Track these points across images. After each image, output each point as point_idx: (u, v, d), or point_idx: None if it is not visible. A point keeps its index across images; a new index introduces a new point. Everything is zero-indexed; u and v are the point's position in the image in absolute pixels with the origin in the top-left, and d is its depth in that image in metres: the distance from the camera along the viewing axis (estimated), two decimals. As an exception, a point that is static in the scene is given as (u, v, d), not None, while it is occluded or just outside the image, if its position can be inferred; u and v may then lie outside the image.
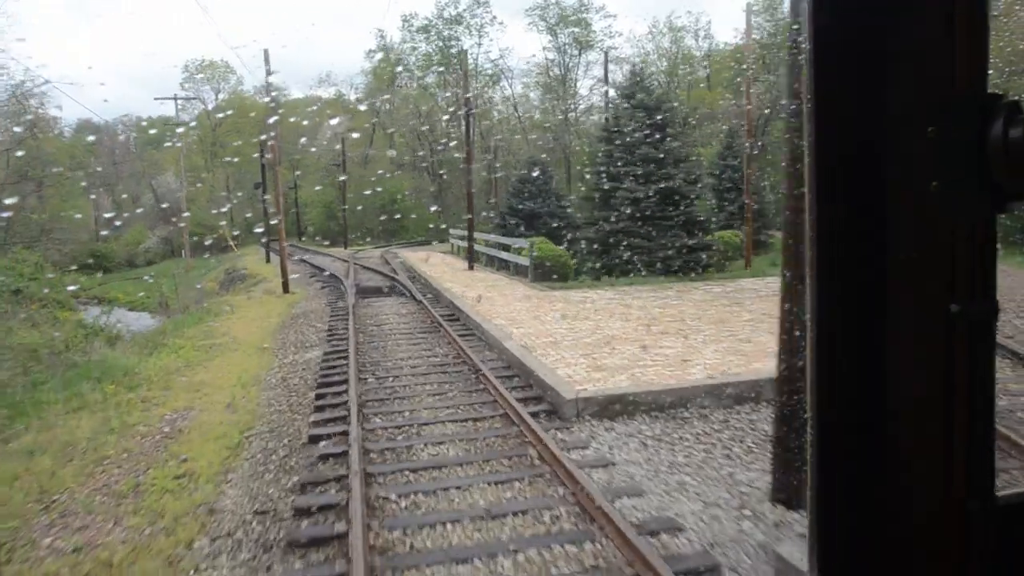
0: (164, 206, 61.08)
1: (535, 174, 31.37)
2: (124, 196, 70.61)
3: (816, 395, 0.68)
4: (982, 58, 0.66)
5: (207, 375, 11.30)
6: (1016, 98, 0.65)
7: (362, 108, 65.35)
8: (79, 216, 50.90)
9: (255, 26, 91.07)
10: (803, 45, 1.06)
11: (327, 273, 25.52)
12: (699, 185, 20.17)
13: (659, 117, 19.18)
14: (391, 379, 9.42)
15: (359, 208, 55.12)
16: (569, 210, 31.90)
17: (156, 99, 49.55)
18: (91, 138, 66.63)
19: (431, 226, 55.46)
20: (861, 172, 0.67)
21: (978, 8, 0.65)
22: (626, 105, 19.92)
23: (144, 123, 72.45)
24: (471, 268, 22.65)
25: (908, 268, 0.66)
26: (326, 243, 53.96)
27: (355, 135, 60.55)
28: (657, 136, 19.25)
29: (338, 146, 54.36)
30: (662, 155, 19.16)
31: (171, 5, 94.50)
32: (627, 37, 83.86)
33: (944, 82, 0.65)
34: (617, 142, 19.42)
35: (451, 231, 33.83)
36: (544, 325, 11.77)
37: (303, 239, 60.76)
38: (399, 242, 49.68)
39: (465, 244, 29.92)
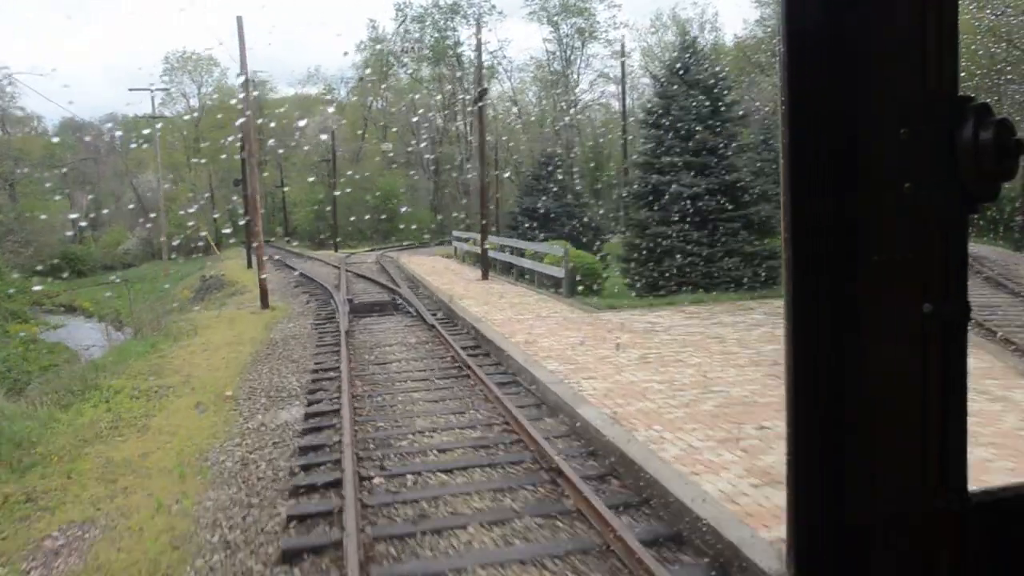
0: (133, 207, 57.47)
1: (531, 171, 27.92)
2: (91, 197, 67.14)
3: (792, 394, 0.69)
4: (953, 60, 0.65)
5: (136, 447, 7.77)
6: (986, 100, 0.65)
7: (331, 110, 61.47)
8: (44, 216, 47.24)
9: (247, 26, 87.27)
10: (777, 47, 0.72)
11: (315, 282, 21.96)
12: (763, 178, 16.66)
13: (728, 97, 15.72)
14: (411, 481, 5.86)
15: (350, 208, 51.34)
16: (586, 211, 28.47)
17: (131, 90, 45.06)
18: (55, 139, 62.98)
19: (417, 226, 51.99)
20: (835, 173, 0.67)
21: (948, 11, 0.65)
22: (678, 84, 16.38)
23: (111, 124, 68.96)
24: (485, 278, 19.13)
25: (881, 269, 0.67)
26: (315, 245, 50.44)
27: (325, 134, 56.87)
28: (716, 120, 15.79)
29: (325, 136, 50.60)
30: (723, 142, 15.69)
31: (168, 7, 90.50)
32: (629, 30, 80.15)
33: (916, 84, 0.65)
34: (677, 124, 15.86)
35: (454, 233, 30.27)
36: (622, 373, 8.27)
37: (290, 241, 57.16)
38: (393, 244, 46.04)
39: (471, 248, 26.44)
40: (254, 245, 20.34)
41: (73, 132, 66.50)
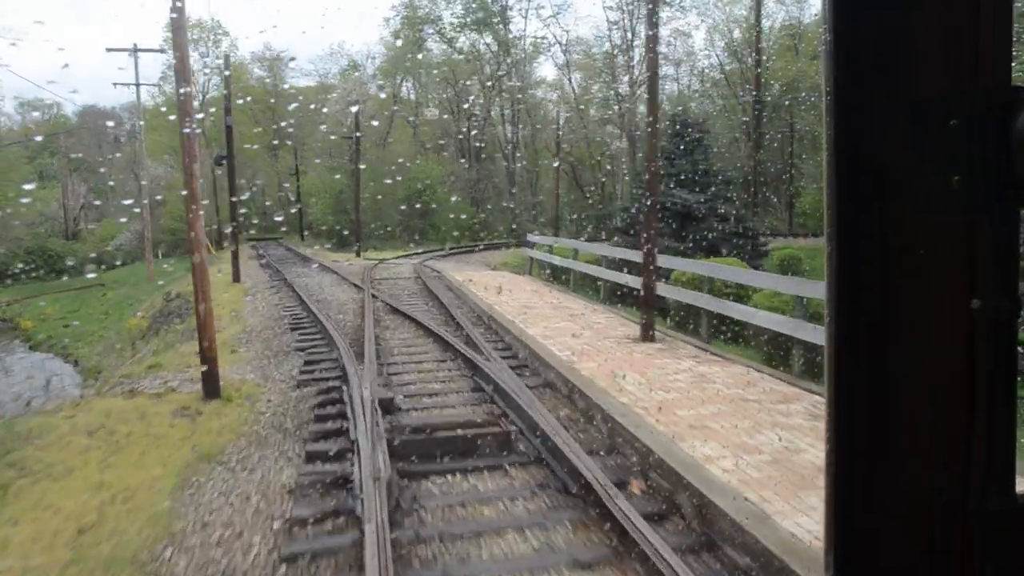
0: (130, 203, 49.24)
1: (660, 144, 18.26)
2: (87, 186, 59.53)
3: (834, 393, 0.67)
4: (1007, 51, 0.63)
5: None
6: None
7: (384, 96, 52.30)
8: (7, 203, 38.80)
9: (261, 22, 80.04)
10: (823, 38, 0.67)
11: (321, 324, 12.59)
12: None
13: None
14: None
15: (375, 201, 42.00)
16: (735, 209, 18.77)
17: (108, 50, 36.32)
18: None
19: (458, 220, 42.90)
20: (881, 166, 0.65)
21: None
22: None
23: (130, 112, 62.33)
24: (650, 337, 9.67)
25: (928, 263, 0.65)
26: (334, 245, 41.43)
27: (352, 107, 47.62)
28: None
29: (353, 115, 41.39)
30: None
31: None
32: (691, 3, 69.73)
33: (967, 75, 0.63)
34: None
35: (531, 237, 20.67)
36: None
37: (304, 238, 48.26)
38: (432, 248, 36.61)
39: (556, 262, 16.99)
40: (206, 251, 11.03)
41: (95, 120, 62.43)
